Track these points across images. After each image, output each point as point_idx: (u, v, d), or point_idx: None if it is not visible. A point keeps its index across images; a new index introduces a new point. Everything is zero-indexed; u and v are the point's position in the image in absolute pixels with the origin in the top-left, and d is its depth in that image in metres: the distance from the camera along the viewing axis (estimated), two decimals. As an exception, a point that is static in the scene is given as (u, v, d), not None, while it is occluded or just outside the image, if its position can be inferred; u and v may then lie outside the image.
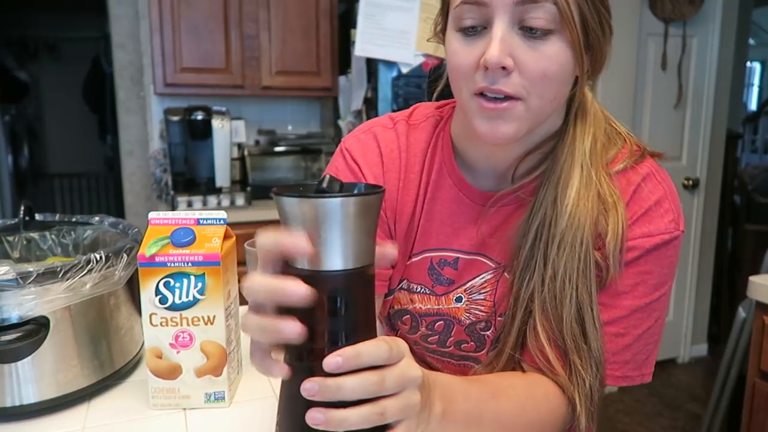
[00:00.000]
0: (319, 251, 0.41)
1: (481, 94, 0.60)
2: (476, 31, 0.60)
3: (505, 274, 0.71)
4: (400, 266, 0.76)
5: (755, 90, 6.75)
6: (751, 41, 4.80)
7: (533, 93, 0.60)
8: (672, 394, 2.78)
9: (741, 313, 1.97)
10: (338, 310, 0.42)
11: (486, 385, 0.62)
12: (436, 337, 0.78)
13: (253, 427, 0.69)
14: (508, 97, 0.60)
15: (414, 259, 0.75)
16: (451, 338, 0.77)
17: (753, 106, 6.65)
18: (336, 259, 0.41)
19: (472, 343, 0.76)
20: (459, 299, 0.74)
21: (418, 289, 0.76)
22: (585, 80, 0.65)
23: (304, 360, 0.43)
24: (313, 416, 0.41)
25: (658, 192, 0.67)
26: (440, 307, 0.75)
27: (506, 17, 0.58)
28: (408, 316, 0.78)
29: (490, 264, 0.72)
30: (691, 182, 2.88)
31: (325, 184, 0.42)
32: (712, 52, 2.84)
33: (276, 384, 0.78)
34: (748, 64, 5.91)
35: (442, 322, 0.76)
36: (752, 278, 1.39)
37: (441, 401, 0.51)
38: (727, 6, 2.82)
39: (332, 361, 0.41)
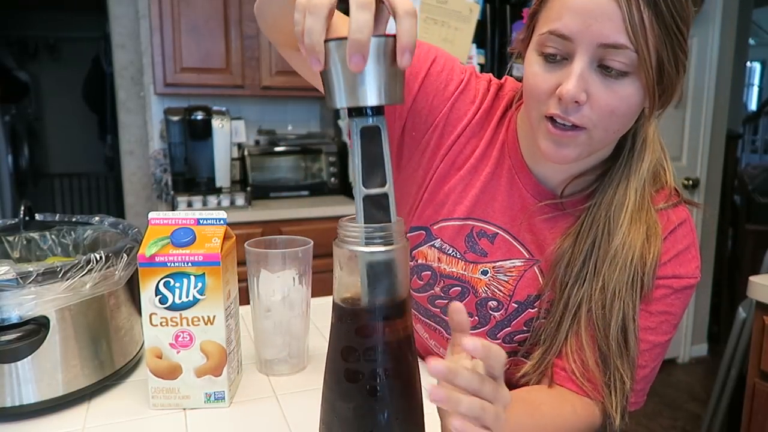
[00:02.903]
0: (357, 87, 0.46)
1: (551, 118, 0.65)
2: (556, 59, 0.64)
3: (534, 268, 0.76)
4: (430, 202, 0.79)
5: (755, 90, 6.75)
6: (751, 41, 4.79)
7: (599, 126, 0.64)
8: (672, 394, 2.78)
9: (741, 313, 1.97)
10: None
11: (522, 402, 0.65)
12: (445, 302, 0.81)
13: (253, 427, 0.69)
14: (574, 126, 0.64)
15: (455, 223, 0.78)
16: None
17: (753, 106, 6.65)
18: (371, 94, 0.46)
19: (475, 318, 0.79)
20: (485, 272, 0.78)
21: (450, 251, 0.79)
22: (653, 113, 0.68)
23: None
24: (436, 392, 0.46)
25: (689, 239, 0.73)
26: (464, 273, 0.78)
27: (587, 56, 0.61)
28: (429, 272, 0.81)
29: (524, 253, 0.76)
30: (691, 182, 2.88)
31: None
32: (712, 52, 2.84)
33: (276, 384, 0.78)
34: (748, 64, 5.91)
35: (459, 288, 0.79)
36: (752, 278, 1.39)
37: None
38: (727, 6, 2.82)
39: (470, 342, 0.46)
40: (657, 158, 0.74)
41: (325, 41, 0.46)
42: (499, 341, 0.79)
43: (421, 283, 0.82)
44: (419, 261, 0.81)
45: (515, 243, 0.77)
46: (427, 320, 0.84)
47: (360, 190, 0.48)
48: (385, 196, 0.48)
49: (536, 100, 0.66)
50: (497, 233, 0.77)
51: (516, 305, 0.77)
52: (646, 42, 0.59)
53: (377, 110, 0.48)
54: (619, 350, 0.68)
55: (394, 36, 0.46)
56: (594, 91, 0.61)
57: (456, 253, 0.79)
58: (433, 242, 0.80)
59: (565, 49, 0.62)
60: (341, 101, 0.47)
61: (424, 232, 0.80)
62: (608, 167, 0.73)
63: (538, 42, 0.65)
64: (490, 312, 0.78)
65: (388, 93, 0.47)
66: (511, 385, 0.76)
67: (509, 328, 0.78)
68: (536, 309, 0.76)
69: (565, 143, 0.65)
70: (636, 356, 0.69)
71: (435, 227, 0.79)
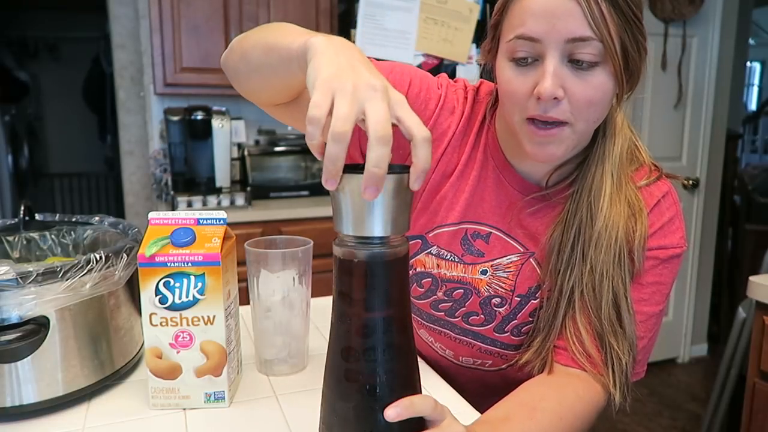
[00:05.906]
0: (365, 219, 0.47)
1: (533, 120, 0.67)
2: (527, 62, 0.66)
3: (531, 260, 0.78)
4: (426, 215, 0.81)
5: (755, 90, 6.75)
6: (751, 41, 4.80)
7: (580, 118, 0.66)
8: (672, 394, 2.78)
9: (741, 313, 1.97)
10: (376, 279, 0.49)
11: (521, 406, 0.66)
12: (449, 305, 0.82)
13: (253, 427, 0.69)
14: (557, 123, 0.66)
15: (451, 228, 0.80)
16: (463, 309, 0.82)
17: (753, 106, 6.65)
18: (377, 227, 0.47)
19: (481, 316, 0.81)
20: (484, 272, 0.80)
21: (448, 256, 0.81)
22: (623, 98, 0.72)
23: (345, 322, 0.50)
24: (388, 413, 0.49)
25: (673, 210, 0.75)
26: (465, 275, 0.80)
27: (557, 53, 0.64)
28: (429, 279, 0.82)
29: (519, 248, 0.79)
30: (691, 182, 2.88)
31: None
32: (712, 52, 2.84)
33: (276, 384, 0.78)
34: (748, 64, 5.91)
35: (461, 290, 0.81)
36: (752, 278, 1.39)
37: None
38: (727, 6, 2.82)
39: (392, 411, 0.48)
40: (628, 140, 0.77)
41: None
42: (508, 334, 0.81)
43: (422, 290, 0.83)
44: (418, 269, 0.83)
45: (509, 239, 0.79)
46: (431, 324, 0.85)
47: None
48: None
49: (515, 104, 0.68)
50: (491, 232, 0.79)
51: (519, 299, 0.79)
52: (609, 31, 0.63)
53: (383, 240, 0.48)
54: (612, 328, 0.71)
55: (407, 171, 0.47)
56: (569, 85, 0.64)
57: (454, 258, 0.80)
58: (429, 249, 0.81)
59: (534, 51, 0.65)
60: (347, 228, 0.48)
61: (420, 240, 0.82)
62: (586, 155, 0.76)
63: (507, 49, 0.68)
64: (495, 309, 0.80)
65: (396, 225, 0.48)
66: (517, 377, 0.78)
67: (516, 321, 0.80)
68: (538, 299, 0.78)
69: (550, 141, 0.67)
70: (633, 333, 0.71)
71: (430, 235, 0.81)
